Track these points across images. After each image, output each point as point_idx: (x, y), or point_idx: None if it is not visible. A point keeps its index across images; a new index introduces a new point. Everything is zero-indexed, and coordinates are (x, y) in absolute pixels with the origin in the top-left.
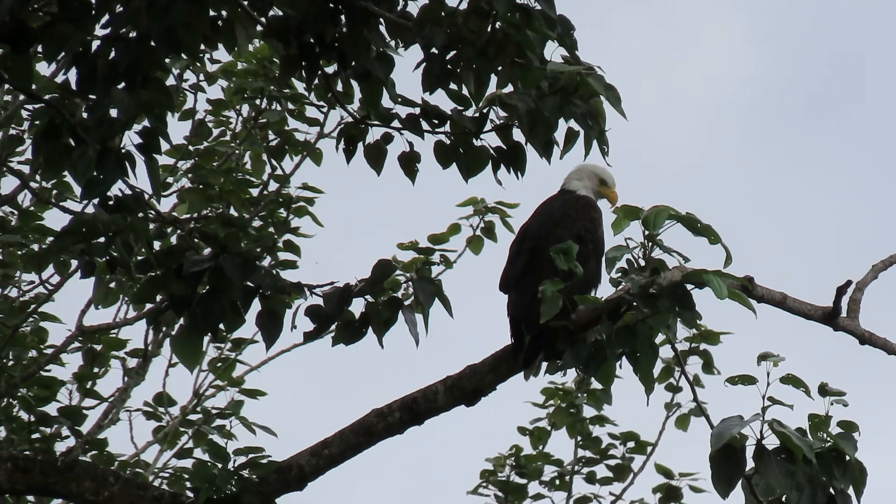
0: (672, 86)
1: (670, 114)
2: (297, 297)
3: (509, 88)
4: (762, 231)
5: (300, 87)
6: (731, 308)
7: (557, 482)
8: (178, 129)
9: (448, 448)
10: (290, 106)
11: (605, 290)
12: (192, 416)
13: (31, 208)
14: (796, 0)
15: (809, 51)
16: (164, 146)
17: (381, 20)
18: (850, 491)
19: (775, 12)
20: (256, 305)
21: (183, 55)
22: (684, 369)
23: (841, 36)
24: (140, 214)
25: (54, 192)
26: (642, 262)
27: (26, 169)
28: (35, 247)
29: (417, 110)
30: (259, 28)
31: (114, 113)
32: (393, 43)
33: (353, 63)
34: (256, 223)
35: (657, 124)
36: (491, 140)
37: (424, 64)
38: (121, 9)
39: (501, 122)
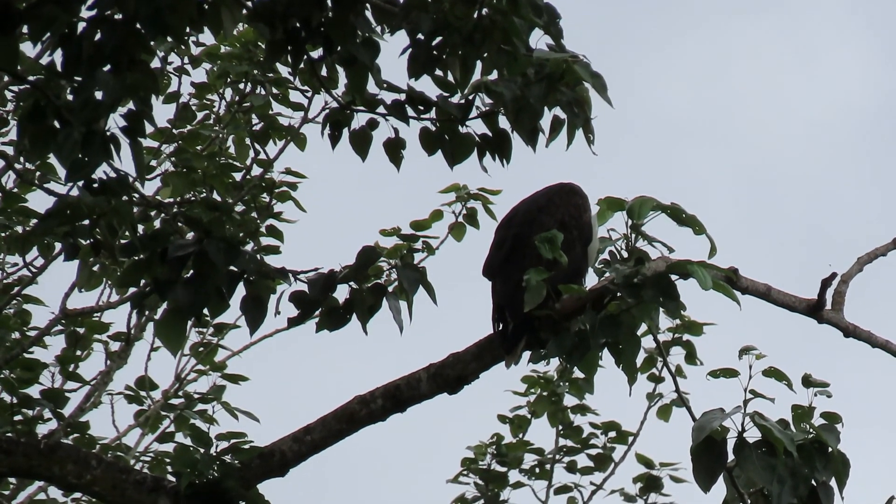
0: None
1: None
2: (281, 282)
3: (495, 75)
4: (751, 222)
5: (285, 71)
6: (716, 299)
7: (538, 471)
8: (162, 113)
9: (430, 436)
10: (275, 90)
11: (589, 280)
12: (174, 401)
13: (15, 190)
14: None
15: None
16: (149, 129)
17: (368, 5)
18: (833, 483)
19: None
20: (240, 290)
21: (169, 38)
22: (666, 360)
23: None
24: (124, 198)
25: (38, 174)
26: (625, 254)
27: (11, 150)
28: (19, 229)
29: (403, 96)
30: (245, 12)
31: (99, 95)
32: (379, 28)
33: (339, 48)
34: (239, 208)
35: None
36: (476, 127)
37: (410, 50)
38: None
39: (487, 109)
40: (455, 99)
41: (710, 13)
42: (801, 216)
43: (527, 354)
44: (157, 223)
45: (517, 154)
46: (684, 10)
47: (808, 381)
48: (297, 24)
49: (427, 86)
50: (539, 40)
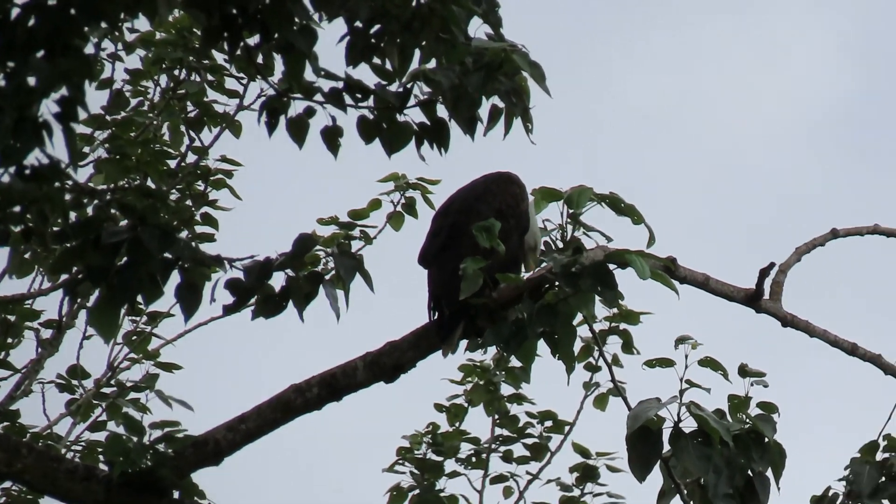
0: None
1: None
2: (216, 270)
3: (433, 64)
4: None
5: (220, 58)
6: (654, 289)
7: (474, 460)
8: (95, 99)
9: (366, 425)
10: (210, 77)
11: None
12: (107, 389)
13: None
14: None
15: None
16: (82, 115)
17: None
18: (769, 473)
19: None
20: (175, 278)
21: (103, 24)
22: (603, 350)
23: None
24: (56, 184)
25: None
26: (560, 244)
27: None
28: None
29: (341, 84)
30: None
31: (32, 81)
32: (316, 16)
33: (276, 35)
34: (174, 195)
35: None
36: (414, 116)
37: (348, 37)
38: None
39: (425, 97)
40: (393, 87)
41: (677, 8)
42: (760, 210)
43: (463, 343)
44: (90, 210)
45: (454, 143)
46: (652, 5)
47: (744, 371)
48: (234, 11)
49: (365, 74)
50: (478, 29)
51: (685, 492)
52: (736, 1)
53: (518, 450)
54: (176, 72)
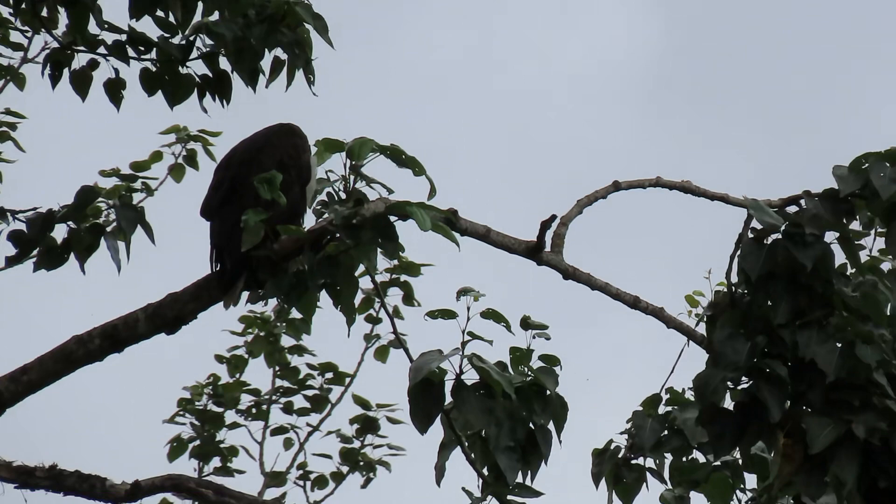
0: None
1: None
2: None
3: (216, 16)
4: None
5: (5, 11)
6: (436, 240)
7: (254, 411)
8: None
9: (148, 376)
10: None
11: (308, 221)
12: None
13: None
14: None
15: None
16: None
17: None
18: (551, 426)
19: None
20: None
21: None
22: (384, 301)
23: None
24: None
25: None
26: (343, 196)
27: None
28: None
29: (124, 37)
30: None
31: None
32: None
33: None
34: None
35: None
36: (197, 68)
37: None
38: None
39: (208, 49)
40: (176, 40)
41: None
42: (565, 164)
43: (245, 295)
44: None
45: (236, 95)
46: None
47: (526, 324)
48: None
49: (148, 26)
50: None
51: (466, 444)
52: None
53: (299, 401)
54: None
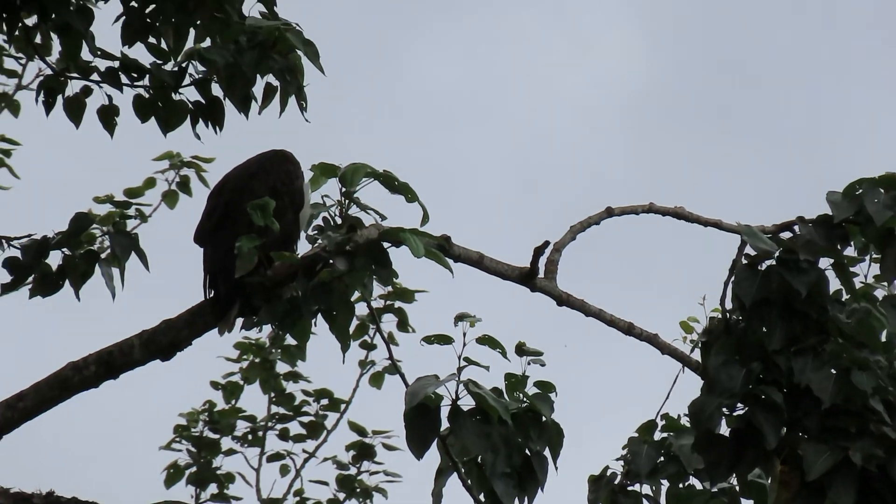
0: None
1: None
2: None
3: (208, 43)
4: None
5: None
6: (429, 267)
7: (251, 438)
8: None
9: (143, 402)
10: None
11: (303, 247)
12: None
13: None
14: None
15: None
16: None
17: None
18: (547, 452)
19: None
20: None
21: None
22: (379, 327)
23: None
24: None
25: None
26: (338, 220)
27: None
28: None
29: (117, 64)
30: None
31: None
32: None
33: (53, 15)
34: None
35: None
36: (190, 94)
37: (124, 17)
38: None
39: (200, 76)
40: (168, 66)
41: None
42: (561, 193)
43: (239, 321)
44: None
45: (229, 121)
46: None
47: (521, 350)
48: None
49: (141, 53)
50: (252, 8)
51: (463, 470)
52: None
53: (294, 428)
54: None
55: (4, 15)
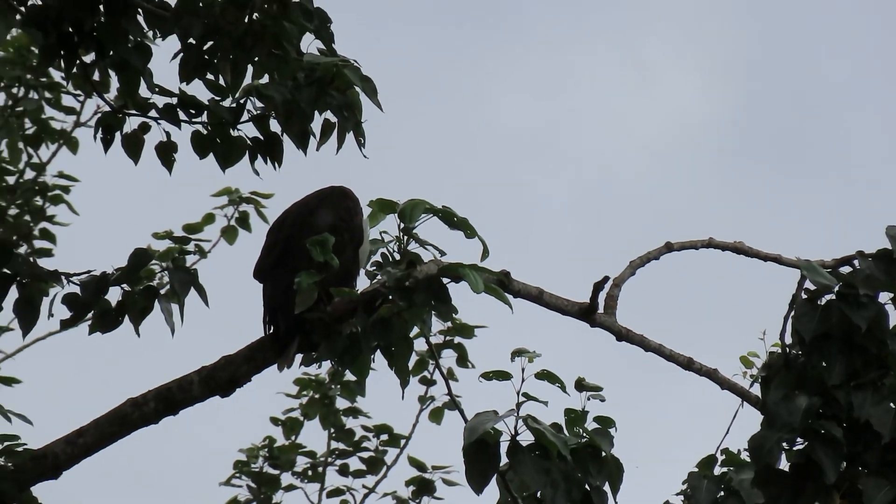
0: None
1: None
2: (53, 284)
3: (266, 79)
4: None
5: (57, 75)
6: (488, 302)
7: (310, 473)
8: None
9: (203, 438)
10: (48, 94)
11: (362, 282)
12: None
13: None
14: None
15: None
16: None
17: (139, 10)
18: (606, 487)
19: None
20: (13, 293)
21: None
22: (438, 363)
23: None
24: None
25: None
26: (397, 256)
27: None
28: None
29: (175, 100)
30: (18, 17)
31: None
32: (151, 33)
33: (111, 52)
34: (13, 211)
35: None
36: (248, 130)
37: (182, 54)
38: None
39: (258, 112)
40: (226, 102)
41: (546, 32)
42: (628, 229)
43: (299, 357)
44: None
45: (288, 157)
46: (522, 30)
47: (581, 385)
48: (70, 29)
49: (199, 89)
50: (310, 45)
51: None
52: (610, 29)
53: (354, 463)
54: (14, 89)
55: (62, 52)
